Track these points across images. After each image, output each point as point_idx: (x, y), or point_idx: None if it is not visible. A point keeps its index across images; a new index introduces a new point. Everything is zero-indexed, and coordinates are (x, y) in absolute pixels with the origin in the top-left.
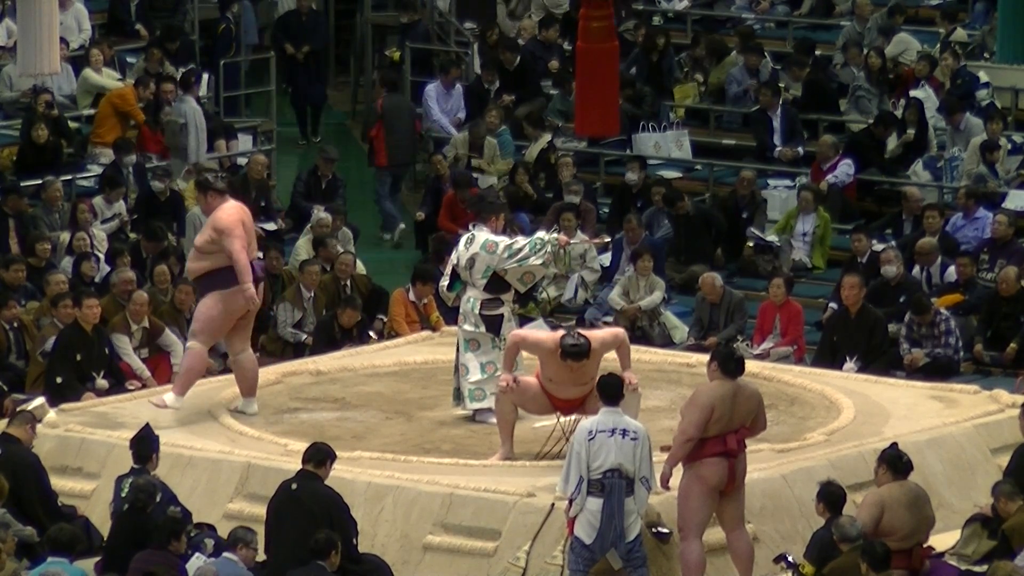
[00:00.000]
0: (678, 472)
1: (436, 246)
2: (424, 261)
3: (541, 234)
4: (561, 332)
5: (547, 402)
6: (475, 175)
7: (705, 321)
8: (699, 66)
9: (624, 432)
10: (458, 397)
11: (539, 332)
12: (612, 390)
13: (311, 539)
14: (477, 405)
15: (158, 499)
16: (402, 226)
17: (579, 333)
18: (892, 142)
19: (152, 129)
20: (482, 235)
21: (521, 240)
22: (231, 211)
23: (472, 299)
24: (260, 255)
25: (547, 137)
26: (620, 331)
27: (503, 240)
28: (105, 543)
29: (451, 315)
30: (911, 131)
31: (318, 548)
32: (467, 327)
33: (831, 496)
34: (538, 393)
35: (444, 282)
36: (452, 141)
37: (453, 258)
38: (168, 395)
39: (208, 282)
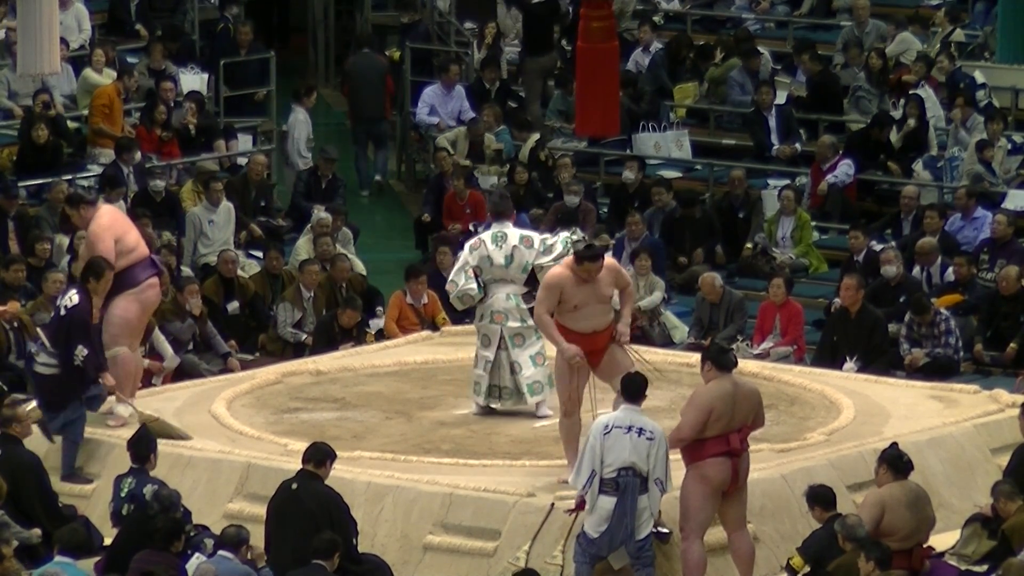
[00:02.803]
0: (680, 472)
1: (437, 245)
2: (424, 261)
3: (566, 234)
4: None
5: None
6: (475, 175)
7: (705, 321)
8: (696, 68)
9: (640, 431)
10: (491, 394)
11: (547, 275)
12: (635, 387)
13: (311, 539)
14: (538, 398)
15: (179, 513)
16: (378, 177)
17: None
18: (894, 135)
19: (148, 129)
20: (513, 231)
21: (551, 237)
22: (101, 218)
23: (512, 295)
24: (155, 256)
25: (535, 136)
26: (631, 284)
27: (536, 235)
28: (111, 544)
29: (453, 313)
30: (911, 121)
31: (321, 548)
32: (512, 323)
33: (821, 497)
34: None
35: (471, 285)
36: (454, 133)
37: (471, 259)
38: (119, 407)
39: (113, 287)
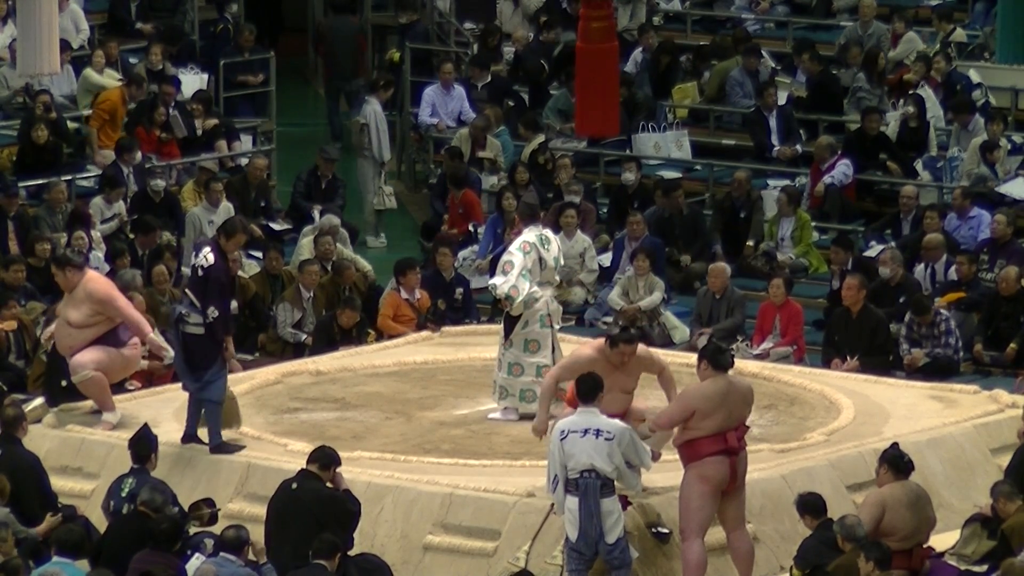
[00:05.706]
0: (678, 473)
1: (438, 245)
2: (425, 261)
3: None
4: (594, 340)
5: None
6: (479, 173)
7: (704, 316)
8: (696, 69)
9: (598, 432)
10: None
11: (573, 353)
12: (588, 388)
13: (311, 539)
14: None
15: (175, 512)
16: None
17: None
18: (889, 129)
19: (147, 129)
20: (551, 234)
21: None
22: (99, 280)
23: (552, 298)
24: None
25: (540, 138)
26: (667, 365)
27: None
28: (100, 540)
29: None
30: (910, 108)
31: (323, 549)
32: (557, 326)
33: (811, 505)
34: None
35: (535, 288)
36: (457, 136)
37: (527, 262)
38: (107, 415)
39: (98, 344)
